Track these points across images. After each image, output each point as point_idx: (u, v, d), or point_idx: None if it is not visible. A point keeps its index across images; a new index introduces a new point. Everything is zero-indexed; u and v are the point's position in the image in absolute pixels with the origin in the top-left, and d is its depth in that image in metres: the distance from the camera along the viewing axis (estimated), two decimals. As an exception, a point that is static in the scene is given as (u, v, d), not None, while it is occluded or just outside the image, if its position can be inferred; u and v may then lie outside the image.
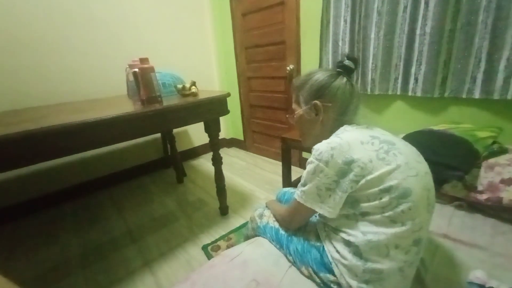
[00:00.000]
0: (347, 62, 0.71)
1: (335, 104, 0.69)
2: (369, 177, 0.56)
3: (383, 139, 0.61)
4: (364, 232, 0.59)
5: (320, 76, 0.71)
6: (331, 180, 0.60)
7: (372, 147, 0.60)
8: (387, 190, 0.56)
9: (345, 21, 1.55)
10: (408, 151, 0.62)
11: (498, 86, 1.11)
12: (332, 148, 0.60)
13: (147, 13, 2.18)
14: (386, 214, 0.56)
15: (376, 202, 0.57)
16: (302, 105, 0.75)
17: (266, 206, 0.95)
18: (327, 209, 0.61)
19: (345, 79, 0.70)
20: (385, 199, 0.56)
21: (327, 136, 0.66)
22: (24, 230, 1.72)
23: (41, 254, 1.46)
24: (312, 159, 0.63)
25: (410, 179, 0.57)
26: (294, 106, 0.79)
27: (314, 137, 0.74)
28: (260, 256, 0.81)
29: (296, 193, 0.67)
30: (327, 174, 0.60)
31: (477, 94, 1.17)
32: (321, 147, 0.61)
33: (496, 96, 1.12)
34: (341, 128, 0.68)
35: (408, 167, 0.58)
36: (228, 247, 1.35)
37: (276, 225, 0.84)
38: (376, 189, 0.56)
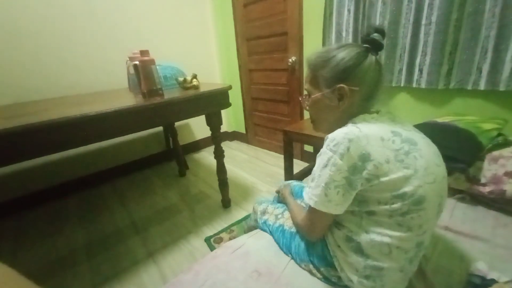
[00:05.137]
0: (376, 35, 0.59)
1: (362, 87, 0.59)
2: (383, 179, 0.52)
3: (405, 137, 0.55)
4: (368, 231, 0.57)
5: (347, 54, 0.59)
6: (342, 176, 0.54)
7: (393, 145, 0.53)
8: (401, 197, 0.52)
9: (349, 10, 1.51)
10: (429, 152, 0.57)
11: (504, 77, 1.08)
12: (349, 140, 0.53)
13: (147, 4, 2.14)
14: (394, 218, 0.54)
15: (387, 206, 0.53)
16: (322, 88, 0.63)
17: (282, 198, 0.92)
18: (333, 207, 0.57)
19: (374, 58, 0.59)
20: (397, 205, 0.53)
21: (344, 123, 0.60)
22: (29, 222, 1.75)
23: (47, 245, 1.49)
24: (325, 150, 0.56)
25: (426, 187, 0.53)
26: (308, 87, 0.67)
27: (329, 123, 0.66)
28: (262, 247, 0.82)
29: (310, 198, 0.60)
30: (340, 168, 0.54)
31: (482, 86, 1.15)
32: (338, 138, 0.54)
33: (502, 87, 1.10)
34: (360, 116, 0.60)
35: (426, 172, 0.53)
36: (230, 239, 1.37)
37: (277, 224, 0.84)
38: (389, 194, 0.53)
